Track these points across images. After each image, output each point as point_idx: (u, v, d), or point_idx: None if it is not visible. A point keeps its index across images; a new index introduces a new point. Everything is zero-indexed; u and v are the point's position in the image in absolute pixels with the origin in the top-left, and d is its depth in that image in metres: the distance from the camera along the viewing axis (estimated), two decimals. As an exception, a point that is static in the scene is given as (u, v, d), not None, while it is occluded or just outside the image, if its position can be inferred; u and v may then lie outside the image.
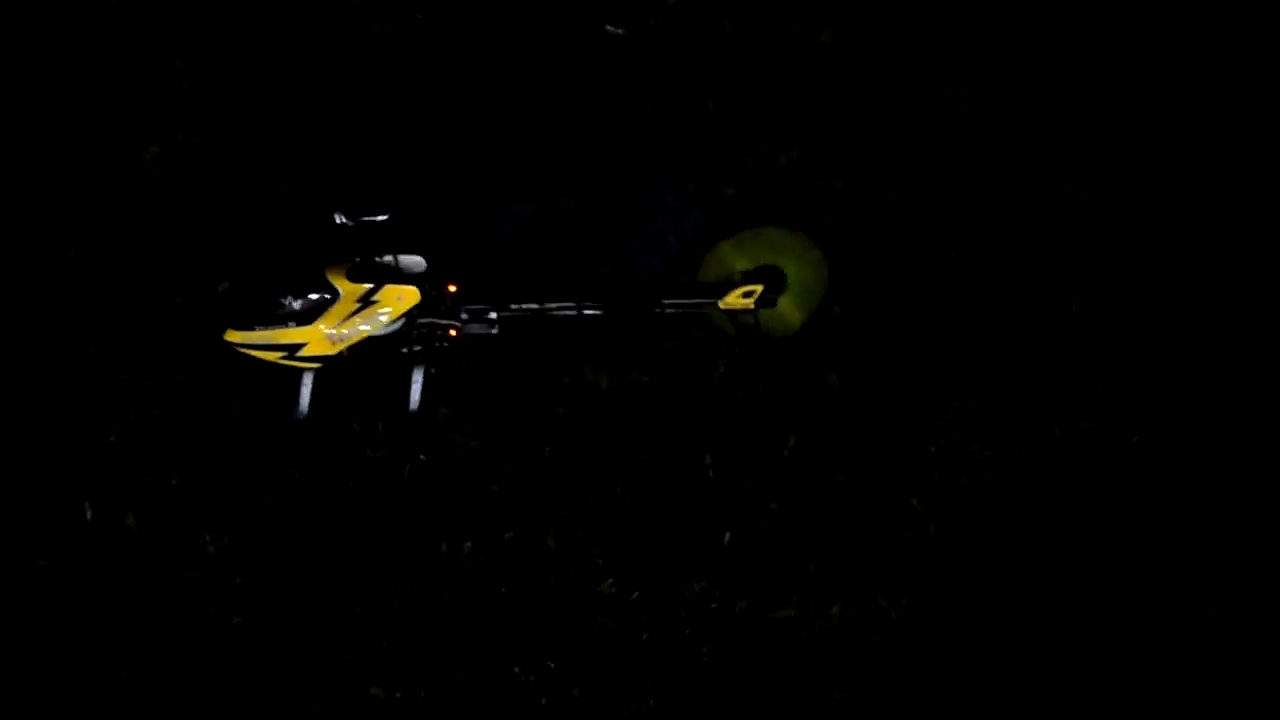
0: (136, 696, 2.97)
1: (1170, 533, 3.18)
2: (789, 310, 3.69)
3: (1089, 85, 3.73)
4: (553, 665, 3.04)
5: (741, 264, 3.69)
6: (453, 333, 3.57)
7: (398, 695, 2.97)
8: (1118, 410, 3.36)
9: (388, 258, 3.54)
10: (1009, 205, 3.74)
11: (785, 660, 3.07)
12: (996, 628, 3.12)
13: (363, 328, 3.50)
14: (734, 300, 3.63)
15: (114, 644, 3.05)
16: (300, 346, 3.49)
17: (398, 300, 3.51)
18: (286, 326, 3.47)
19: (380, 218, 3.50)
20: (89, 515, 3.29)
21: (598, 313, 3.62)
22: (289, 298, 3.48)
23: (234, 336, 3.48)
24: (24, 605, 3.12)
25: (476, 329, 3.60)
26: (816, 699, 2.98)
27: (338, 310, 3.48)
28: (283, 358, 3.50)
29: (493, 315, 3.60)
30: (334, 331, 3.48)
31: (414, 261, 3.57)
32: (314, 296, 3.48)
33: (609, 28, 3.34)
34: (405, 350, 3.56)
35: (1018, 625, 3.13)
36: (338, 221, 3.50)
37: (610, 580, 3.20)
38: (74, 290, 3.67)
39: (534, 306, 3.61)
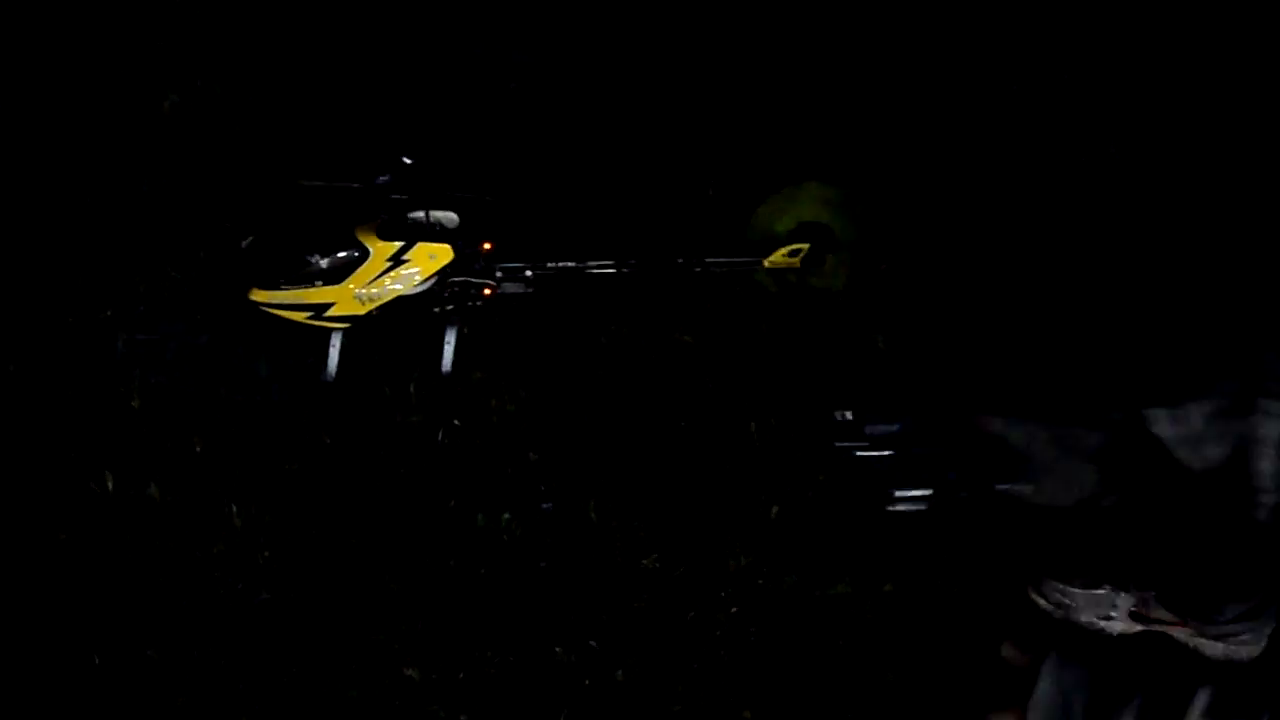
0: (161, 674, 2.86)
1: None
2: (835, 268, 3.57)
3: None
4: (595, 645, 2.93)
5: (787, 222, 3.57)
6: (487, 292, 3.47)
7: (434, 676, 2.88)
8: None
9: (420, 214, 3.43)
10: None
11: (836, 639, 2.95)
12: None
13: (393, 287, 3.40)
14: (779, 259, 3.52)
15: (137, 621, 2.95)
16: (328, 306, 3.39)
17: (430, 259, 3.40)
18: (314, 285, 3.37)
19: (405, 160, 3.38)
20: (110, 485, 3.18)
21: (638, 271, 3.52)
22: (316, 256, 3.38)
23: (259, 296, 3.38)
24: (45, 581, 3.01)
25: (512, 288, 3.50)
26: (868, 681, 2.87)
27: (367, 269, 3.38)
28: (310, 318, 3.40)
29: (529, 274, 3.50)
30: (364, 291, 3.39)
31: (447, 218, 3.46)
32: (343, 254, 3.38)
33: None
34: (437, 310, 3.46)
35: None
36: (380, 182, 3.40)
37: (655, 555, 3.09)
38: (90, 249, 3.57)
39: (571, 264, 3.50)
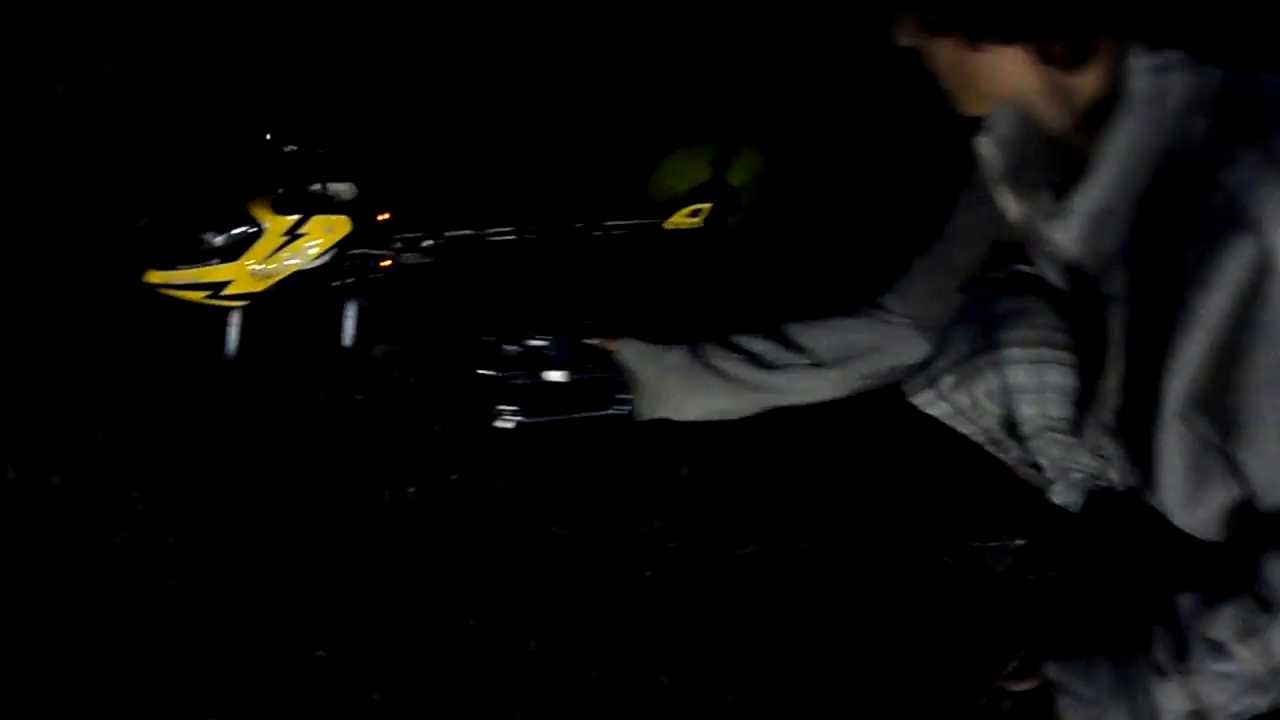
0: (70, 666, 2.81)
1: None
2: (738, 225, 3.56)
3: None
4: (506, 615, 2.90)
5: (686, 182, 3.55)
6: (386, 263, 3.43)
7: (345, 656, 2.83)
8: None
9: (315, 186, 3.38)
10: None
11: (751, 599, 2.94)
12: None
13: (290, 262, 3.36)
14: (680, 219, 3.50)
15: (42, 611, 2.89)
16: (226, 284, 3.34)
17: (327, 231, 3.36)
18: (210, 264, 3.32)
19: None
20: (10, 475, 3.12)
21: (538, 236, 3.49)
22: (211, 233, 3.33)
23: (155, 277, 3.33)
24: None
25: (411, 258, 3.47)
26: (783, 640, 2.86)
27: (264, 244, 3.33)
28: (207, 297, 3.35)
29: (428, 243, 3.46)
30: (260, 267, 3.34)
31: (343, 189, 3.42)
32: (238, 231, 3.33)
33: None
34: (337, 284, 3.42)
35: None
36: (269, 140, 3.33)
37: (564, 523, 3.07)
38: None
39: (470, 232, 3.47)
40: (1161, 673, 2.19)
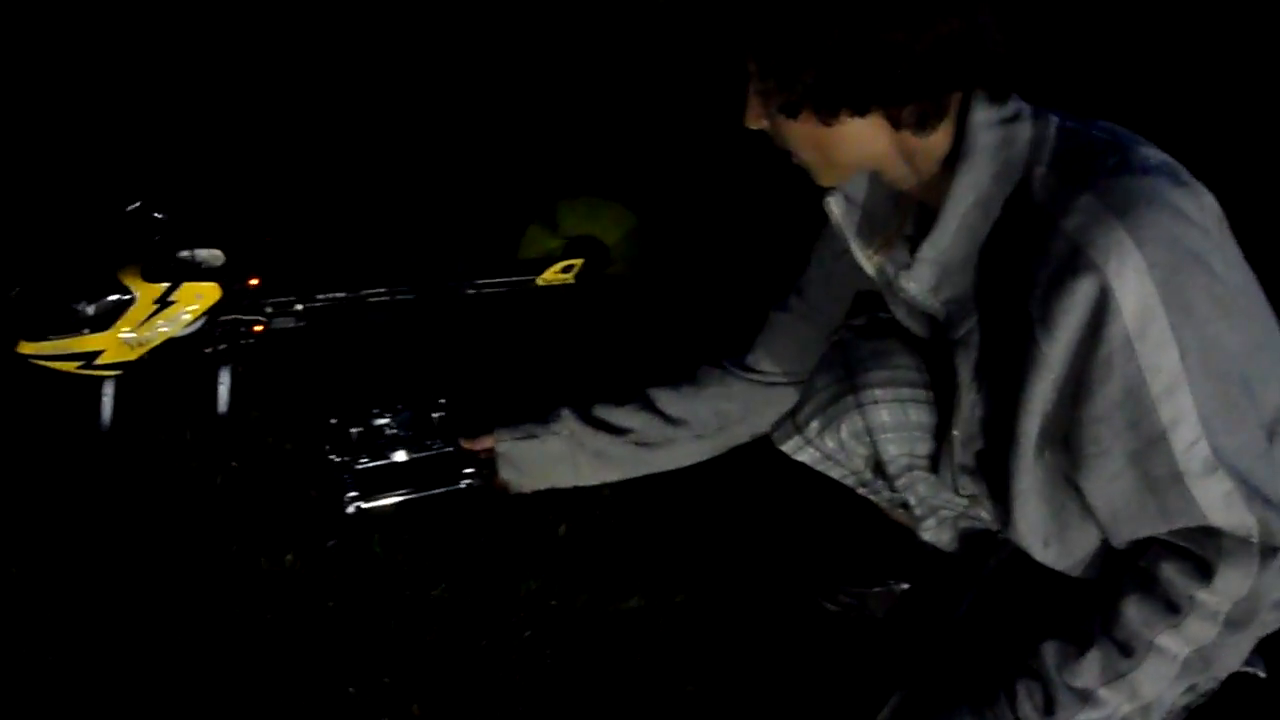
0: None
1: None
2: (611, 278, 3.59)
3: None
4: (388, 680, 2.89)
5: (557, 239, 3.57)
6: (258, 329, 3.42)
7: (227, 728, 2.80)
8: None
9: (184, 253, 3.37)
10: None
11: (634, 653, 2.95)
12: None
13: (163, 329, 3.34)
14: (552, 276, 3.52)
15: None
16: (98, 354, 3.31)
17: (197, 298, 3.35)
18: (82, 334, 3.29)
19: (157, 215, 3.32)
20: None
21: (410, 297, 3.49)
22: (83, 303, 3.30)
23: (27, 348, 3.30)
24: None
25: (283, 322, 3.46)
26: (667, 693, 2.87)
27: (135, 312, 3.31)
28: (80, 367, 3.32)
29: (299, 307, 3.46)
30: (133, 335, 3.32)
31: (212, 255, 3.41)
32: (109, 299, 3.31)
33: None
34: (209, 350, 3.40)
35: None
36: (130, 210, 3.32)
37: (443, 585, 3.06)
38: None
39: (342, 295, 3.47)
40: None
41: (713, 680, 2.91)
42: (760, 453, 2.86)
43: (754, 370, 2.78)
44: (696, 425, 2.80)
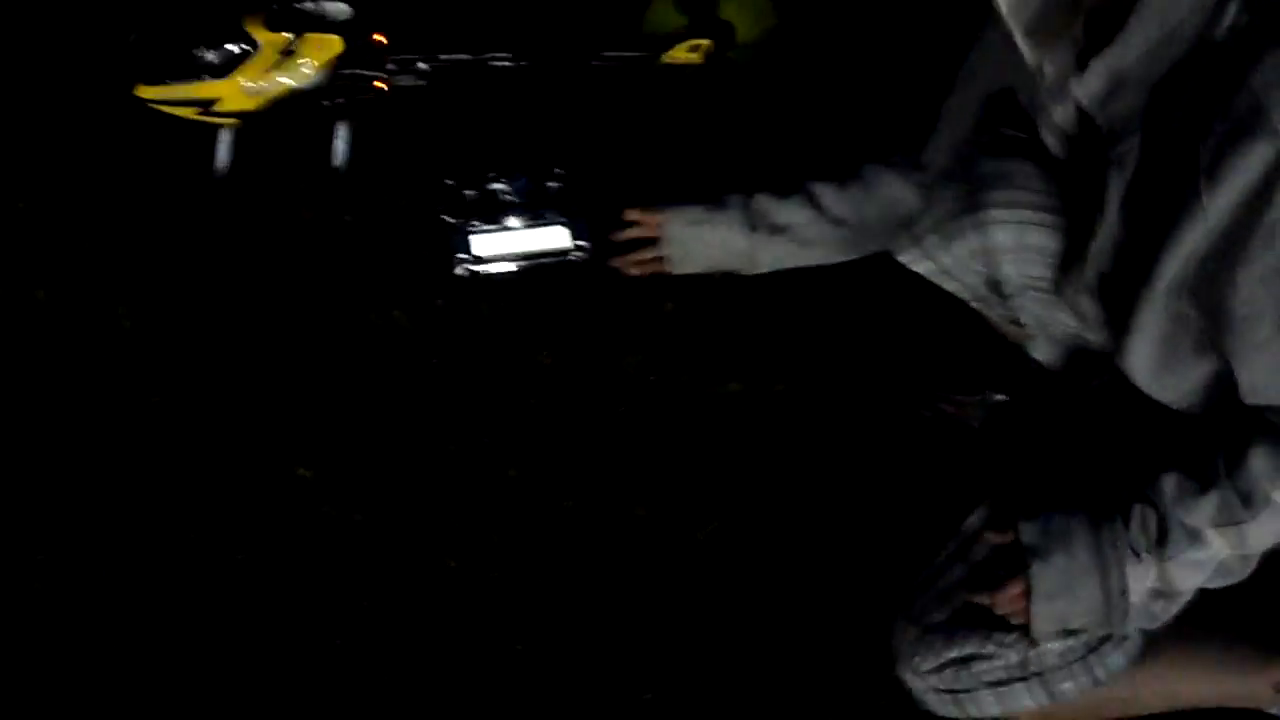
0: (50, 480, 2.84)
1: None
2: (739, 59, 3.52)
3: None
4: (488, 442, 2.93)
5: (684, 16, 3.51)
6: (379, 85, 3.40)
7: (327, 476, 2.87)
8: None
9: (309, 4, 3.34)
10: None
11: (729, 437, 2.97)
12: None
13: (283, 80, 3.32)
14: (679, 54, 3.46)
15: (25, 428, 2.91)
16: (216, 101, 3.30)
17: (320, 50, 3.32)
18: (201, 80, 3.28)
19: None
20: (-5, 291, 3.12)
21: (534, 64, 3.45)
22: (203, 49, 3.29)
23: (145, 92, 3.29)
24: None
25: (405, 81, 3.43)
26: (756, 479, 2.89)
27: (256, 62, 3.29)
28: (198, 114, 3.31)
29: (422, 66, 3.43)
30: (252, 85, 3.30)
31: (338, 8, 3.37)
32: (230, 47, 3.29)
33: None
34: (329, 104, 3.38)
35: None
36: None
37: (546, 352, 3.08)
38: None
39: (466, 57, 3.43)
40: (1136, 555, 2.21)
41: (799, 474, 2.93)
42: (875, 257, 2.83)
43: (927, 170, 2.71)
44: (860, 227, 2.73)
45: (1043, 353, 2.68)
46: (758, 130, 3.48)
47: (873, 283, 3.14)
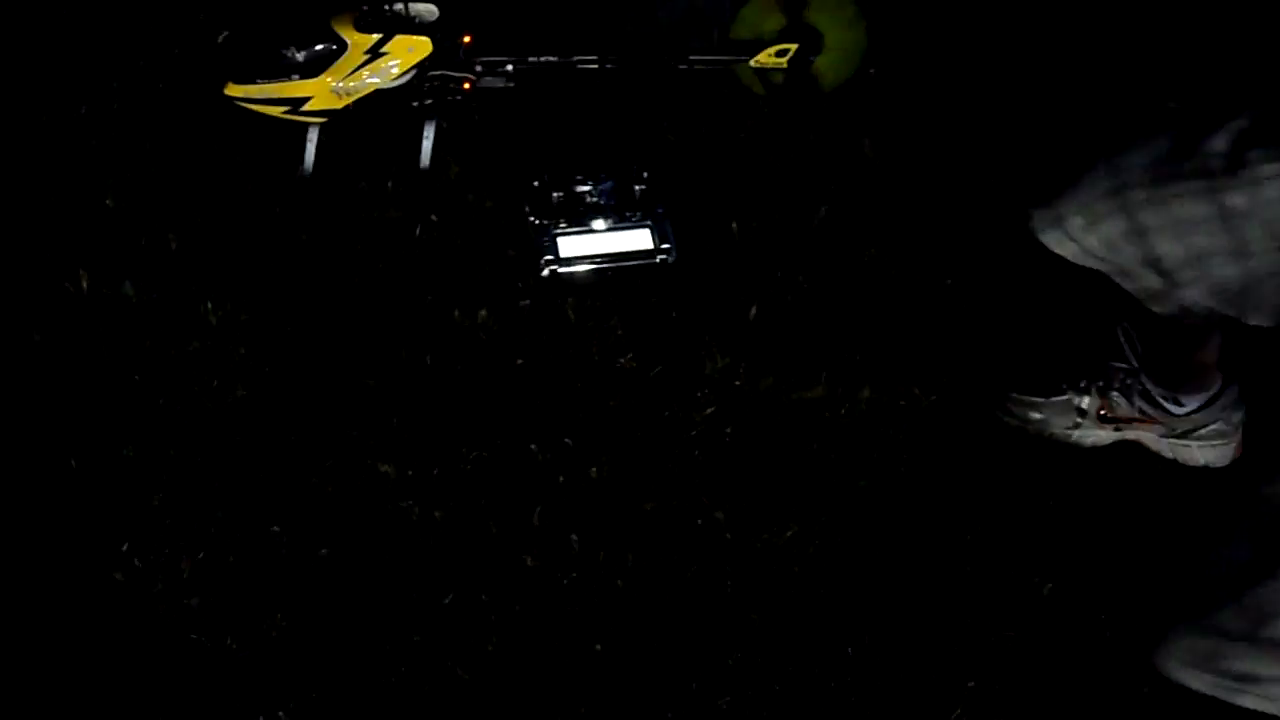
0: (138, 473, 2.86)
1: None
2: (823, 71, 3.51)
3: None
4: (570, 442, 2.93)
5: (774, 22, 3.50)
6: (466, 86, 3.42)
7: (408, 473, 2.87)
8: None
9: (398, 5, 3.37)
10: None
11: (811, 442, 2.95)
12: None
13: (371, 80, 3.35)
14: (766, 59, 3.46)
15: (113, 420, 2.93)
16: (305, 100, 3.34)
17: (408, 51, 3.35)
18: (290, 79, 3.32)
19: None
20: (85, 284, 3.14)
21: (620, 66, 3.46)
22: (292, 49, 3.33)
23: (234, 90, 3.33)
24: (18, 382, 2.99)
25: (492, 82, 3.45)
26: (842, 484, 2.87)
27: (345, 62, 3.33)
28: (286, 112, 3.35)
29: (509, 68, 3.45)
30: (341, 84, 3.34)
31: (426, 10, 3.40)
32: (319, 47, 3.32)
33: None
34: (416, 104, 3.41)
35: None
36: None
37: (630, 354, 3.08)
38: (61, 42, 3.51)
39: (553, 59, 3.45)
40: None
41: (881, 481, 2.92)
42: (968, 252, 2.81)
43: None
44: None
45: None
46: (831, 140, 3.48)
47: (956, 289, 3.14)
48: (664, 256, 3.13)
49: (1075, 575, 2.81)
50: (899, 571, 2.82)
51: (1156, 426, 2.95)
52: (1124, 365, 2.94)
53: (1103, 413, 2.96)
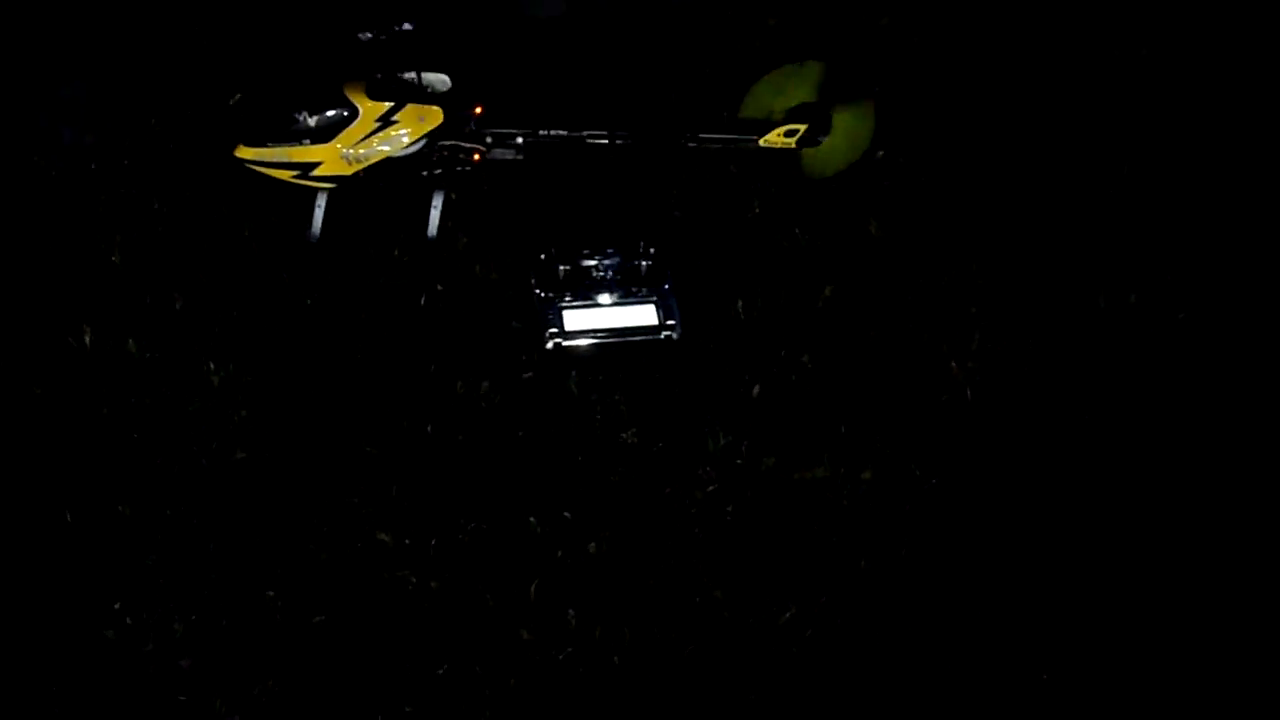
0: (133, 531, 2.84)
1: (1221, 406, 3.04)
2: (831, 153, 3.51)
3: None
4: (569, 516, 2.91)
5: (783, 102, 3.51)
6: (476, 157, 3.42)
7: (406, 542, 2.85)
8: (1166, 284, 3.21)
9: (410, 75, 3.38)
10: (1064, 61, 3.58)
11: (812, 522, 2.94)
12: (1031, 499, 2.99)
13: (381, 148, 3.36)
14: (775, 139, 3.46)
15: (111, 476, 2.92)
16: (315, 165, 3.35)
17: (419, 120, 3.36)
18: (301, 144, 3.33)
19: (405, 26, 3.33)
20: (88, 339, 3.14)
21: (630, 142, 3.46)
22: (304, 114, 3.33)
23: (245, 153, 3.34)
24: (17, 435, 2.98)
25: (501, 154, 3.45)
26: (842, 565, 2.86)
27: (356, 129, 3.33)
28: (295, 177, 3.36)
29: (519, 140, 3.45)
30: (351, 151, 3.34)
31: (438, 80, 3.41)
32: (331, 113, 3.33)
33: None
34: (425, 173, 3.41)
35: (1053, 496, 3.00)
36: (362, 39, 3.34)
37: (633, 430, 3.06)
38: (76, 100, 3.51)
39: (563, 133, 3.45)
40: None
41: (882, 560, 2.90)
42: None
43: None
44: None
45: None
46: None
47: (961, 373, 3.13)
48: (669, 333, 3.13)
49: (1077, 665, 2.79)
50: (898, 655, 2.79)
51: None
52: None
53: None
